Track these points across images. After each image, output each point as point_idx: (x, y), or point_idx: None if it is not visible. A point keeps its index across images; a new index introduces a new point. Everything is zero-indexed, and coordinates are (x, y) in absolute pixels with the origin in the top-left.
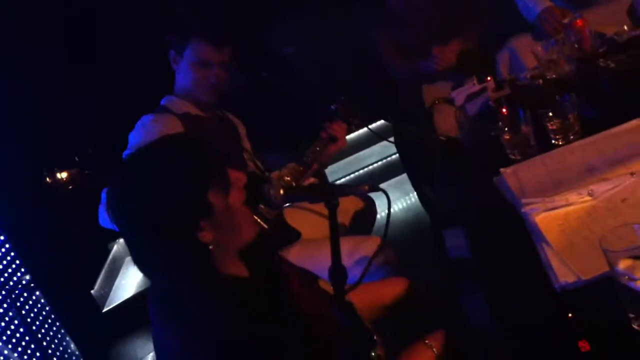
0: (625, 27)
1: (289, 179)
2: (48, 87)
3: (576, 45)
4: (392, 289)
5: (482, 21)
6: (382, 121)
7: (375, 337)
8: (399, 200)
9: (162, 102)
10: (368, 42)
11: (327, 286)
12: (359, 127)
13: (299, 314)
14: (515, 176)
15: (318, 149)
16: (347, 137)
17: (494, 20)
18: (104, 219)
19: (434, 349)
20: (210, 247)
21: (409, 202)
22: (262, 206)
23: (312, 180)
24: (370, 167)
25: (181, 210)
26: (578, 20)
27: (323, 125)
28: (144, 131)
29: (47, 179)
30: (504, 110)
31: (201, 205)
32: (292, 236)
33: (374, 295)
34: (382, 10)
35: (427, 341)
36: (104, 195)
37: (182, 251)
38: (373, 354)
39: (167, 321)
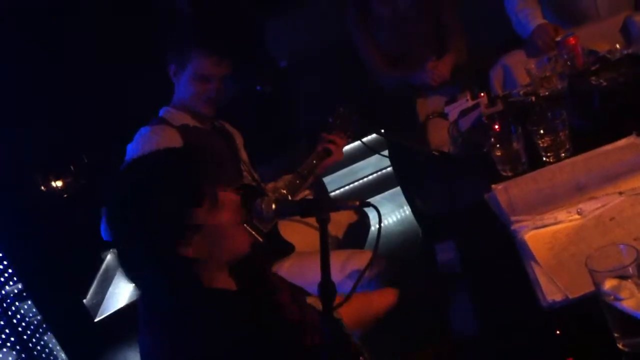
0: (618, 46)
1: (284, 191)
2: (45, 96)
3: (569, 63)
4: (383, 299)
5: (466, 34)
6: (374, 135)
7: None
8: (392, 213)
9: (160, 113)
10: (355, 46)
11: (316, 302)
12: (351, 141)
13: (287, 325)
14: (506, 193)
15: (315, 162)
16: (344, 148)
17: (484, 34)
18: (107, 233)
19: None
20: (196, 262)
21: (402, 214)
22: (255, 219)
23: (306, 192)
24: (365, 179)
25: (168, 224)
26: (571, 38)
27: (320, 137)
28: (142, 143)
29: (42, 187)
30: (496, 126)
31: (189, 220)
32: (286, 249)
33: (364, 306)
34: (368, 16)
35: None
36: (104, 208)
37: (167, 264)
38: None
39: (149, 328)
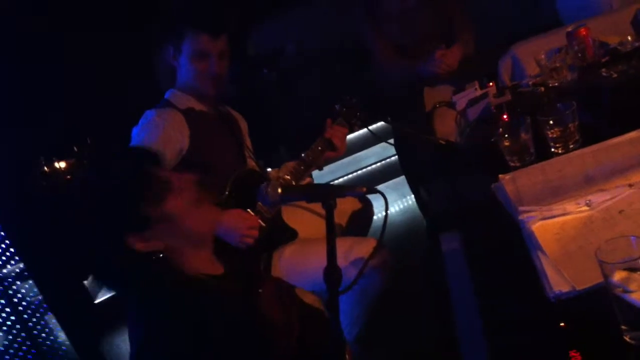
0: (629, 38)
1: (288, 177)
2: (49, 77)
3: (579, 54)
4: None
5: (474, 25)
6: (382, 122)
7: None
8: (396, 203)
9: (166, 95)
10: (363, 41)
11: (305, 296)
12: (359, 128)
13: (264, 320)
14: (513, 183)
15: (320, 148)
16: (348, 137)
17: (493, 26)
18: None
19: None
20: (162, 254)
21: (406, 204)
22: (260, 204)
23: (308, 179)
24: (369, 168)
25: (122, 220)
26: (582, 29)
27: (325, 124)
28: (148, 127)
29: (45, 168)
30: (504, 116)
31: (135, 219)
32: (289, 235)
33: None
34: (377, 9)
35: None
36: None
37: (134, 261)
38: None
39: (134, 314)
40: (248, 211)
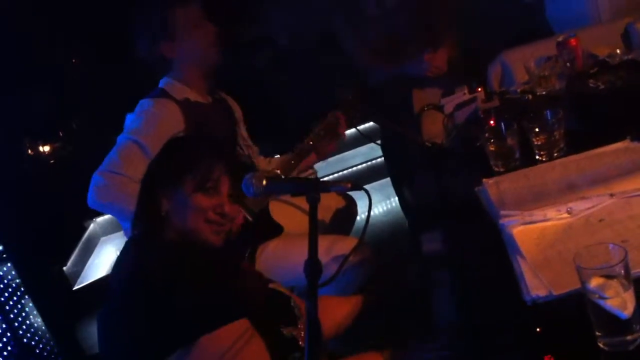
0: (618, 51)
1: (278, 171)
2: (37, 62)
3: (568, 64)
4: (345, 307)
5: (455, 29)
6: (370, 123)
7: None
8: (380, 204)
9: (161, 84)
10: (344, 48)
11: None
12: (358, 124)
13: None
14: (496, 187)
15: (311, 143)
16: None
17: (485, 30)
18: (93, 200)
19: None
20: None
21: (389, 206)
22: (248, 198)
23: (310, 172)
24: (355, 168)
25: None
26: (572, 39)
27: (331, 112)
28: (145, 117)
29: (29, 151)
30: (491, 121)
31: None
32: (275, 230)
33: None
34: (355, 14)
35: (382, 353)
36: (95, 176)
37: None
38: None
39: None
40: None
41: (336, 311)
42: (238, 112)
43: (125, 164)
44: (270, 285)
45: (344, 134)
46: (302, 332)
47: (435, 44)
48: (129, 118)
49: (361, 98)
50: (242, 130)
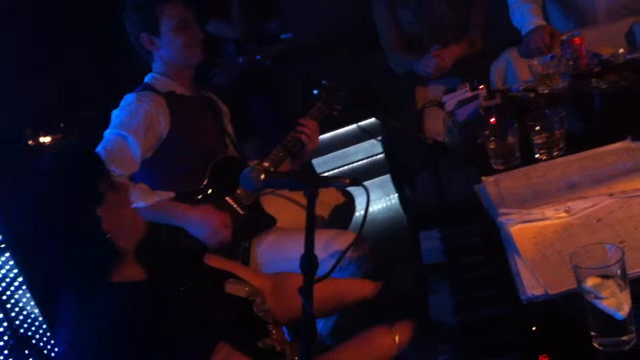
0: (621, 50)
1: (267, 164)
2: (40, 53)
3: (572, 63)
4: (360, 289)
5: (486, 26)
6: (372, 119)
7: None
8: (379, 200)
9: (146, 79)
10: (376, 21)
11: (238, 290)
12: (340, 112)
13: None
14: (496, 185)
15: (299, 136)
16: (336, 132)
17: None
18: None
19: (397, 338)
20: (109, 235)
21: (389, 203)
22: (239, 191)
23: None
24: (356, 164)
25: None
26: (576, 38)
27: (297, 123)
28: (129, 110)
29: (30, 142)
30: (492, 119)
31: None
32: (268, 222)
33: (338, 290)
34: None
35: (393, 328)
36: None
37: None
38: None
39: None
40: (227, 200)
41: (347, 291)
42: (225, 110)
43: (109, 158)
44: (227, 290)
45: (313, 143)
46: (275, 335)
47: (462, 36)
48: (114, 113)
49: (343, 86)
50: (229, 129)
